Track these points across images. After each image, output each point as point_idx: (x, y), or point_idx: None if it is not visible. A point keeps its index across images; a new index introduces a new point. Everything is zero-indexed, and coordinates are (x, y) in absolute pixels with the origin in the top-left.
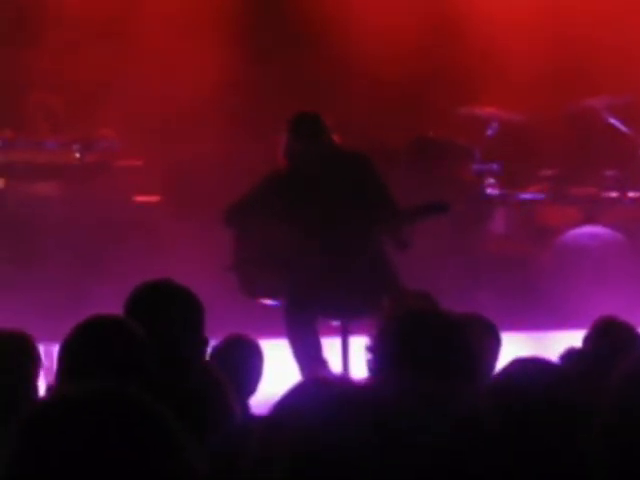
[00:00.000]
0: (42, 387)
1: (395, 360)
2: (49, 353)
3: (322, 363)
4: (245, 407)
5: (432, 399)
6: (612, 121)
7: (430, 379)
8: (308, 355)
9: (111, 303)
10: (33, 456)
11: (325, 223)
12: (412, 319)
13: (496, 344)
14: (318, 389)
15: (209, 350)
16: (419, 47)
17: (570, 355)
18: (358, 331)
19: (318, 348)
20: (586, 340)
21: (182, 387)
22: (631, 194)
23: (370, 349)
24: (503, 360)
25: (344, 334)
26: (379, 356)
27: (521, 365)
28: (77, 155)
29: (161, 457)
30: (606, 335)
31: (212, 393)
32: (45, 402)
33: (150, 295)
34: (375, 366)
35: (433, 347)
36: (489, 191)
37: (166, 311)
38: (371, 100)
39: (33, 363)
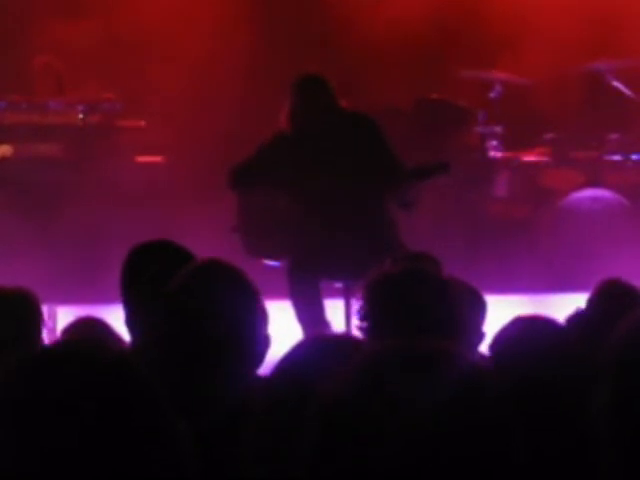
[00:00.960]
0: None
1: (379, 322)
2: (52, 314)
3: (325, 324)
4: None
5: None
6: (616, 84)
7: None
8: (311, 317)
9: (115, 266)
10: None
11: (328, 185)
12: (392, 279)
13: (481, 309)
14: (319, 346)
15: None
16: (425, 9)
17: (577, 317)
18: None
19: (321, 310)
20: (589, 303)
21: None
22: (634, 157)
23: (360, 315)
24: (504, 322)
25: (347, 296)
26: (366, 318)
27: (522, 323)
28: (80, 116)
29: (135, 413)
30: (610, 297)
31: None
32: (32, 353)
33: (150, 255)
34: (364, 328)
35: (415, 305)
36: (492, 153)
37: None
38: (375, 62)
39: (35, 319)
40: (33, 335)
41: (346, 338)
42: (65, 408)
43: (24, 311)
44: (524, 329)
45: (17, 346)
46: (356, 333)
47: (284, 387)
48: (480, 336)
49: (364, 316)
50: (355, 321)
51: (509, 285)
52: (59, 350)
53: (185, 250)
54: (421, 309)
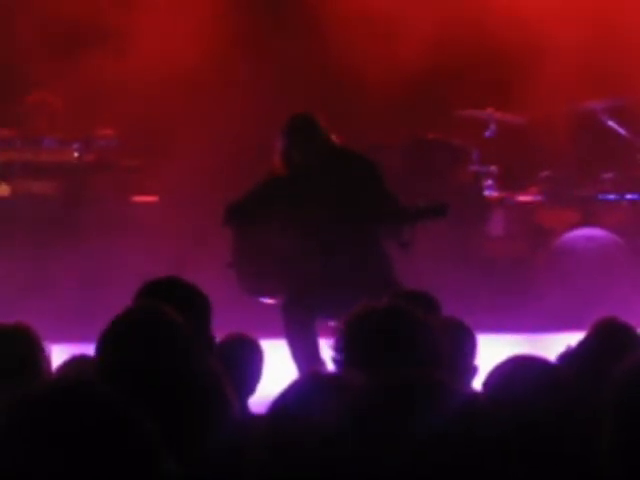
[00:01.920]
0: None
1: (354, 355)
2: (47, 352)
3: (320, 363)
4: (244, 406)
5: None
6: (611, 123)
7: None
8: (306, 355)
9: (113, 303)
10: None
11: (325, 223)
12: (372, 314)
13: (471, 346)
14: (315, 385)
15: None
16: (421, 47)
17: (568, 355)
18: None
19: (316, 348)
20: (585, 341)
21: (186, 384)
22: (628, 197)
23: (335, 348)
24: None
25: None
26: (341, 351)
27: (515, 363)
28: (76, 154)
29: (127, 461)
30: (606, 336)
31: (214, 392)
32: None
33: (158, 293)
34: (338, 361)
35: (391, 340)
36: (487, 192)
37: (175, 309)
38: (370, 99)
39: (36, 353)
40: (35, 369)
41: (341, 376)
42: (47, 443)
43: (25, 347)
44: (518, 368)
45: (19, 380)
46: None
47: (281, 426)
48: (472, 371)
49: (340, 348)
50: (331, 353)
51: (504, 324)
52: (45, 389)
53: (192, 286)
54: (398, 345)
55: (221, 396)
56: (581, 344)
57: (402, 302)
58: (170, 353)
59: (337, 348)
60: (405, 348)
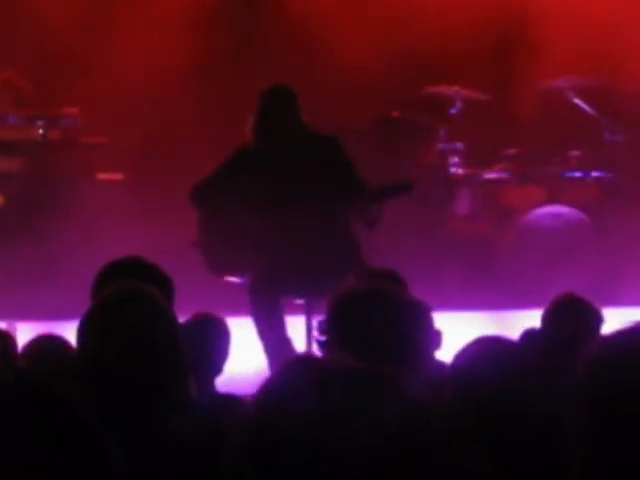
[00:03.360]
0: None
1: (338, 337)
2: (12, 330)
3: (286, 341)
4: (211, 386)
5: (382, 381)
6: (577, 101)
7: (375, 360)
8: (272, 333)
9: (75, 282)
10: None
11: (291, 202)
12: (356, 296)
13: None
14: (303, 370)
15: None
16: (384, 27)
17: (529, 335)
18: (322, 310)
19: (282, 326)
20: (544, 317)
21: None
22: (594, 174)
23: (320, 329)
24: (466, 339)
25: (308, 313)
26: (326, 333)
27: (482, 344)
28: (40, 131)
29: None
30: (565, 311)
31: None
32: None
33: (120, 272)
34: (322, 342)
35: (376, 323)
36: (453, 170)
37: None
38: (336, 79)
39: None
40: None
41: (331, 361)
42: None
43: None
44: (484, 349)
45: None
46: (315, 348)
47: (266, 411)
48: (436, 338)
49: (324, 330)
50: (315, 334)
51: (471, 302)
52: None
53: (155, 266)
54: (382, 326)
55: (185, 378)
56: (541, 320)
57: (384, 282)
58: (156, 335)
59: (321, 330)
60: (389, 328)
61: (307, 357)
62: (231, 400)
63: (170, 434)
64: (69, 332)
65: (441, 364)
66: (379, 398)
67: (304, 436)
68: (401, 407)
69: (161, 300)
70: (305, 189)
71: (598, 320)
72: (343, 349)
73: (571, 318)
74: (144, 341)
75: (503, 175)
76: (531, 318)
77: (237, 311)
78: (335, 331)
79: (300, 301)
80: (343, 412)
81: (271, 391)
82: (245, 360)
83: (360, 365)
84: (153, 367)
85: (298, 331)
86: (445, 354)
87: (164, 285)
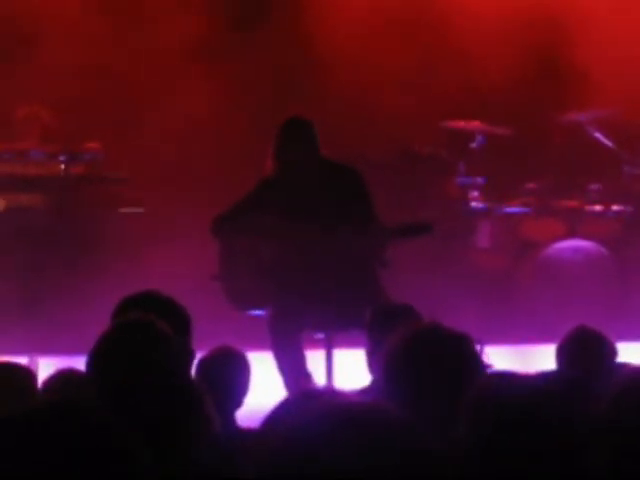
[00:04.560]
0: None
1: (402, 377)
2: (33, 365)
3: (306, 376)
4: (231, 420)
5: (434, 421)
6: (597, 135)
7: (434, 401)
8: (292, 368)
9: (96, 316)
10: None
11: (312, 235)
12: (426, 340)
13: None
14: (308, 403)
15: (195, 362)
16: (408, 57)
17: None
18: (342, 344)
19: (302, 361)
20: (558, 351)
21: (166, 401)
22: (615, 208)
23: (376, 360)
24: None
25: (328, 347)
26: (386, 369)
27: (495, 380)
28: (62, 166)
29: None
30: (577, 345)
31: (195, 408)
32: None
33: (136, 307)
34: (379, 376)
35: (444, 371)
36: (473, 204)
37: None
38: (356, 111)
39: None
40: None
41: (331, 395)
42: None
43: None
44: (504, 385)
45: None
46: (338, 385)
47: (270, 442)
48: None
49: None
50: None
51: (490, 336)
52: (30, 409)
53: (170, 300)
54: (447, 378)
55: (203, 411)
56: (556, 355)
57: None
58: (161, 367)
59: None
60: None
61: (311, 391)
62: (250, 434)
63: (189, 466)
64: None
65: None
66: (377, 442)
67: (299, 465)
68: (401, 454)
69: (165, 331)
70: (325, 221)
71: (611, 354)
72: (403, 388)
73: (584, 352)
74: (144, 370)
75: (523, 209)
76: (551, 352)
77: (258, 345)
78: (399, 370)
79: (320, 335)
80: (338, 449)
81: (272, 424)
82: (265, 394)
83: (371, 405)
84: (155, 398)
85: (318, 365)
86: None
87: (179, 318)
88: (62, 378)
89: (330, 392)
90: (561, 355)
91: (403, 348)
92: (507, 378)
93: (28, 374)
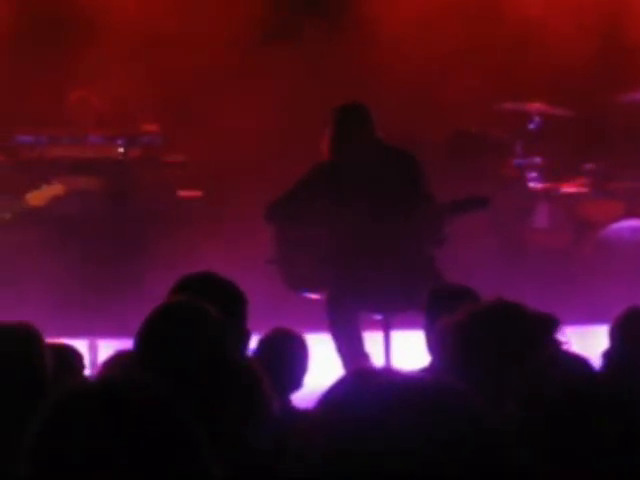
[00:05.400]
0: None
1: (472, 352)
2: (94, 347)
3: (364, 357)
4: (287, 401)
5: (442, 398)
6: None
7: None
8: (350, 349)
9: (155, 299)
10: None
11: (369, 217)
12: (499, 314)
13: None
14: (365, 382)
15: (255, 344)
16: (462, 41)
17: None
18: (400, 325)
19: (360, 342)
20: (611, 332)
21: (222, 381)
22: None
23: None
24: None
25: (386, 328)
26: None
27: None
28: (121, 150)
29: (172, 453)
30: (630, 325)
31: (251, 388)
32: (68, 391)
33: (192, 288)
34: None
35: (518, 343)
36: (531, 185)
37: (209, 303)
38: (414, 92)
39: (40, 354)
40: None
41: (387, 374)
42: (98, 447)
43: (29, 346)
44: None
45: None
46: (396, 366)
47: (325, 422)
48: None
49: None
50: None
51: None
52: (95, 386)
53: (226, 282)
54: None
55: (259, 392)
56: (609, 335)
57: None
58: (206, 349)
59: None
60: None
61: (366, 369)
62: (304, 415)
63: (245, 448)
64: None
65: None
66: (434, 415)
67: (354, 445)
68: (460, 425)
69: (209, 312)
70: (381, 203)
71: None
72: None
73: (636, 332)
74: (185, 352)
75: (581, 189)
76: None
77: (317, 327)
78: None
79: (378, 316)
80: (395, 424)
81: (327, 402)
82: (325, 376)
83: (424, 380)
84: (198, 380)
85: (376, 347)
86: None
87: (235, 300)
88: (121, 359)
89: (386, 370)
90: (614, 335)
91: (479, 322)
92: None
93: (75, 354)
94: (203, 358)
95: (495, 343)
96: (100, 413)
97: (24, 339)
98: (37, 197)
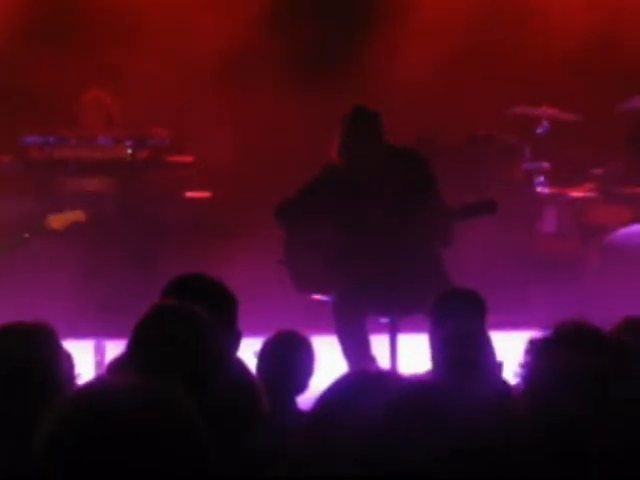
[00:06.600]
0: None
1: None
2: (100, 348)
3: (370, 360)
4: (293, 403)
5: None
6: None
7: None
8: (357, 352)
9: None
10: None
11: (376, 219)
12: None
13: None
14: (366, 382)
15: (261, 346)
16: (469, 45)
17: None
18: (406, 328)
19: (367, 345)
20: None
21: (214, 381)
22: None
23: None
24: None
25: (392, 331)
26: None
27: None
28: (129, 151)
29: (182, 457)
30: (626, 332)
31: (242, 388)
32: (78, 395)
33: (183, 289)
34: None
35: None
36: (539, 189)
37: (199, 304)
38: (424, 96)
39: (53, 352)
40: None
41: (388, 374)
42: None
43: (41, 344)
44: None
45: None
46: (402, 369)
47: (323, 422)
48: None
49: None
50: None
51: (556, 321)
52: (98, 390)
53: (217, 284)
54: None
55: (250, 391)
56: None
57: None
58: (197, 350)
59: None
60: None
61: (363, 370)
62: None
63: (245, 449)
64: None
65: (505, 383)
66: (429, 416)
67: (347, 445)
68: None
69: (195, 313)
70: (389, 206)
71: None
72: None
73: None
74: (176, 353)
75: (589, 194)
76: None
77: (323, 329)
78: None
79: (384, 319)
80: (393, 422)
81: (326, 403)
82: (331, 378)
83: (423, 382)
84: (190, 381)
85: (382, 350)
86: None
87: (225, 301)
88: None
89: (385, 372)
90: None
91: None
92: None
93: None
94: (194, 359)
95: None
96: (104, 419)
97: (39, 339)
98: (58, 221)
